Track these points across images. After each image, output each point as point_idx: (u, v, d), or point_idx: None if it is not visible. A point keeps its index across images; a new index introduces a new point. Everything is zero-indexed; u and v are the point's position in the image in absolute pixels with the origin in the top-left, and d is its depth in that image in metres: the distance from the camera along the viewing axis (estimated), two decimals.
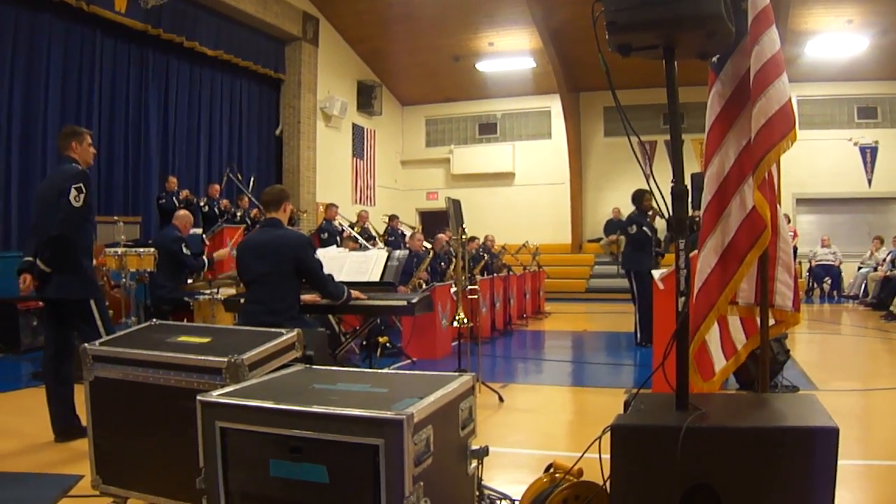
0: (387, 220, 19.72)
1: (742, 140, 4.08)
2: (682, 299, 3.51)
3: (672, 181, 3.59)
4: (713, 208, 4.14)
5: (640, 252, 12.17)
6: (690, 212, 7.15)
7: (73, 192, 6.17)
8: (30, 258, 6.35)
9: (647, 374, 9.45)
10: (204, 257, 10.46)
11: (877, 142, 24.00)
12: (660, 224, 12.59)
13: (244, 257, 6.78)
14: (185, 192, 16.26)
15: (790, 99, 3.90)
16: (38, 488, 5.09)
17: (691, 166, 3.63)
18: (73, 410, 6.34)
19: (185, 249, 10.13)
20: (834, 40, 21.47)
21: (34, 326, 11.40)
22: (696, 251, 4.24)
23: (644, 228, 12.15)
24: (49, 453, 6.01)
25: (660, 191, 3.75)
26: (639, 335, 12.13)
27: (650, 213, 12.35)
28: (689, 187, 3.77)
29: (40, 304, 7.18)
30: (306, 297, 7.00)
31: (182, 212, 11.10)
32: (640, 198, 12.34)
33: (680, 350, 3.53)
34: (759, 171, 3.82)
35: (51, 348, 6.49)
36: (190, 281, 10.34)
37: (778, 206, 4.18)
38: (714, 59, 4.18)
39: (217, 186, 17.45)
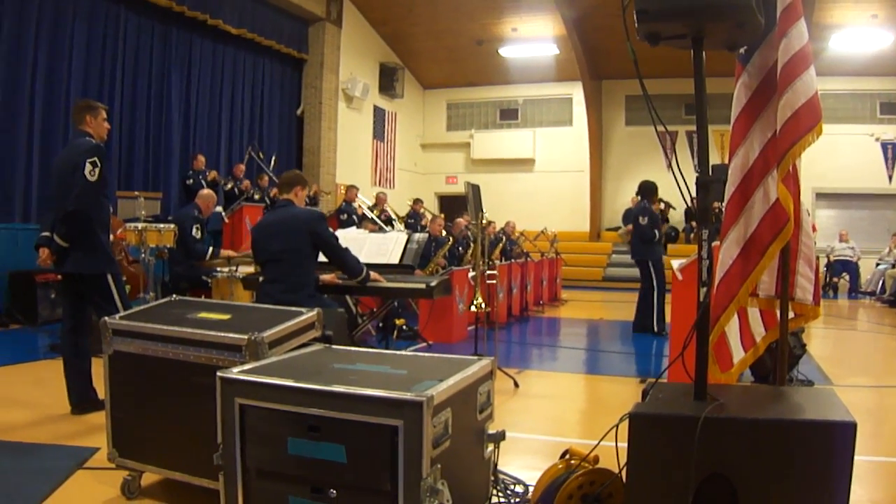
0: (411, 202, 19.71)
1: (767, 132, 4.07)
2: (704, 289, 3.51)
3: (697, 171, 3.59)
4: (736, 200, 4.13)
5: (650, 242, 12.20)
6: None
7: (88, 167, 6.15)
8: (47, 233, 6.39)
9: (662, 364, 9.45)
10: (209, 247, 10.40)
11: None
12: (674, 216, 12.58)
13: (258, 239, 6.83)
14: (212, 174, 16.26)
15: (817, 92, 3.88)
16: (53, 459, 5.12)
17: (712, 157, 3.64)
18: (90, 383, 6.39)
19: (195, 231, 10.10)
20: (858, 35, 21.26)
21: (52, 299, 11.47)
22: (716, 242, 4.23)
23: (652, 220, 12.23)
24: (65, 425, 6.05)
25: (685, 180, 3.74)
26: (656, 324, 12.15)
27: (661, 209, 12.42)
28: None
29: (58, 276, 7.20)
30: (325, 277, 7.04)
31: (205, 191, 11.10)
32: (652, 191, 12.38)
33: (700, 340, 3.53)
34: (784, 164, 3.81)
35: (69, 322, 6.53)
36: (208, 258, 10.32)
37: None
38: (742, 50, 4.17)
39: (242, 166, 17.46)
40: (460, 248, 14.74)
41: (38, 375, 8.05)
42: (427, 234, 10.31)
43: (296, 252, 6.55)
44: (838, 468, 3.06)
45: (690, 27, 3.50)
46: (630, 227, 12.56)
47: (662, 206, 12.65)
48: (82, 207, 6.20)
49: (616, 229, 25.51)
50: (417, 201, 19.74)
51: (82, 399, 6.35)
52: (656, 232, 12.25)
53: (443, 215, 16.85)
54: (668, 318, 11.10)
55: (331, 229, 6.96)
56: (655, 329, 12.10)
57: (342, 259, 6.78)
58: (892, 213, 23.91)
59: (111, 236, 7.04)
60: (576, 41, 23.37)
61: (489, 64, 26.17)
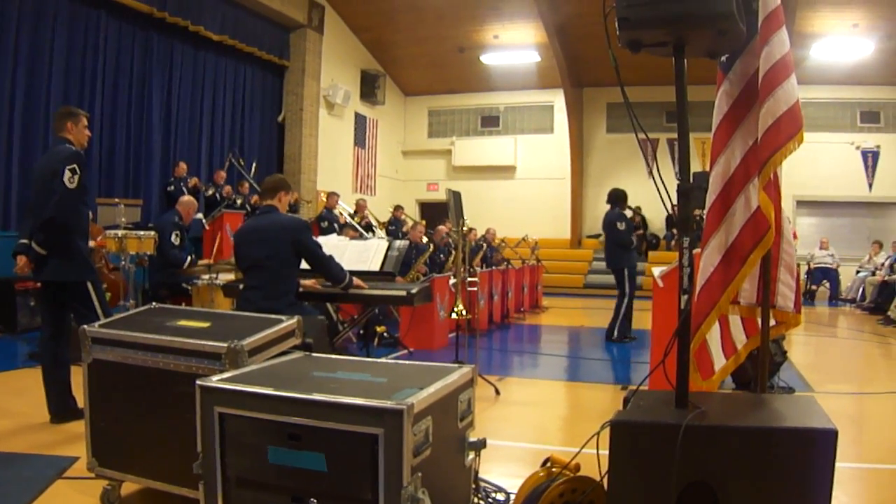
0: (392, 209, 19.74)
1: (748, 140, 4.08)
2: (685, 297, 3.51)
3: (678, 178, 3.59)
4: (717, 207, 4.14)
5: (627, 248, 12.26)
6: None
7: (67, 174, 6.13)
8: (25, 240, 6.33)
9: (642, 371, 9.45)
10: (188, 255, 10.33)
11: (879, 146, 23.99)
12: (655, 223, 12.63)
13: (241, 245, 6.76)
14: (193, 181, 16.30)
15: (798, 100, 3.89)
16: (33, 469, 5.09)
17: (693, 165, 3.64)
18: (69, 392, 6.36)
19: (174, 238, 10.06)
20: (839, 44, 21.42)
21: (31, 307, 11.41)
22: (697, 249, 4.23)
23: (629, 226, 12.32)
24: (44, 434, 6.01)
25: (665, 187, 3.74)
26: (616, 331, 12.22)
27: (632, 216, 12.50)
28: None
29: (38, 284, 7.16)
30: (306, 283, 7.00)
31: (186, 198, 11.06)
32: (622, 199, 12.46)
33: (681, 348, 3.53)
34: (765, 172, 3.82)
35: (48, 330, 6.49)
36: (186, 265, 10.24)
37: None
38: (723, 58, 4.18)
39: (223, 173, 17.44)
40: (441, 256, 14.74)
41: (17, 384, 8.00)
42: (408, 241, 10.30)
43: (278, 260, 6.48)
44: (820, 475, 3.07)
45: (672, 35, 3.51)
46: None
47: (630, 213, 12.77)
48: (61, 215, 6.16)
49: (597, 236, 25.58)
50: (398, 208, 19.80)
51: (61, 408, 6.31)
52: (633, 238, 12.32)
53: (423, 221, 16.85)
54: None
55: (314, 237, 6.92)
56: (615, 335, 12.18)
57: (326, 267, 6.73)
58: (872, 220, 24.06)
59: (91, 243, 7.00)
60: (557, 49, 23.41)
61: (471, 71, 26.21)
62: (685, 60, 3.61)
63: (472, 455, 3.67)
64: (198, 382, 3.33)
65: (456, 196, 8.85)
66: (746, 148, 4.10)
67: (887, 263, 19.81)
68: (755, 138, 3.97)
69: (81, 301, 6.36)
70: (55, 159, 6.26)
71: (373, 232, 17.50)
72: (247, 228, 6.95)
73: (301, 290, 6.90)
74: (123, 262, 9.92)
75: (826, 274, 22.97)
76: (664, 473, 3.13)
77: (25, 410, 6.58)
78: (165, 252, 9.97)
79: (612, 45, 3.60)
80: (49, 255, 6.23)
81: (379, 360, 4.18)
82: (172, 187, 15.70)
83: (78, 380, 4.77)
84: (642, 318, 12.24)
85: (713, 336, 4.27)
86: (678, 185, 3.57)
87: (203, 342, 4.02)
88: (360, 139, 25.50)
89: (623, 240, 12.22)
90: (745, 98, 4.13)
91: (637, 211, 22.41)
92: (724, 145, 4.16)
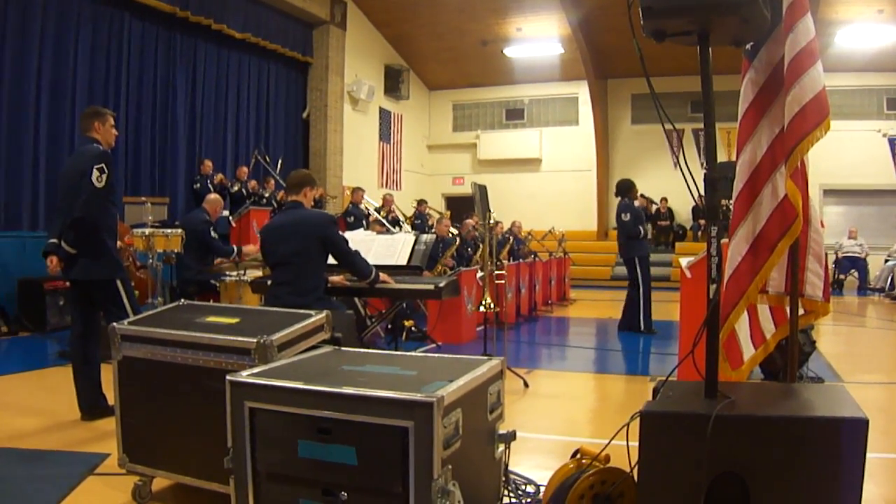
0: (416, 204, 19.73)
1: (775, 128, 4.05)
2: (714, 287, 3.50)
3: (705, 168, 3.57)
4: (745, 196, 4.12)
5: (636, 238, 12.25)
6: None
7: (95, 173, 6.14)
8: (54, 240, 6.36)
9: (669, 362, 9.42)
10: (233, 245, 10.41)
11: None
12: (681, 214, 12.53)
13: (268, 241, 6.77)
14: (219, 177, 16.42)
15: (824, 88, 3.87)
16: (64, 466, 5.12)
17: (718, 154, 3.59)
18: (99, 389, 6.39)
19: (213, 233, 10.14)
20: (864, 30, 21.19)
21: (60, 306, 11.47)
22: (725, 239, 4.21)
23: (634, 217, 12.29)
24: (75, 431, 6.05)
25: (692, 178, 3.72)
26: (642, 322, 12.17)
27: (643, 205, 12.46)
28: None
29: (67, 284, 7.20)
30: (333, 279, 7.00)
31: (213, 196, 11.11)
32: (628, 189, 12.46)
33: (710, 338, 3.52)
34: (792, 160, 3.80)
35: (78, 328, 6.53)
36: (217, 261, 10.29)
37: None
38: (748, 46, 4.16)
39: (245, 169, 17.47)
40: (468, 249, 14.73)
41: (48, 382, 8.06)
42: (435, 235, 10.28)
43: (306, 255, 6.49)
44: (851, 465, 3.05)
45: (696, 23, 3.49)
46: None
47: (644, 201, 12.76)
48: (89, 214, 6.19)
49: None
50: (422, 202, 19.77)
51: (92, 405, 6.35)
52: (641, 228, 12.29)
53: (448, 212, 16.82)
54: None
55: (341, 233, 6.93)
56: (642, 327, 12.13)
57: (352, 262, 6.73)
58: None
59: (119, 242, 7.03)
60: (581, 40, 23.33)
61: (494, 64, 26.15)
62: (710, 49, 3.59)
63: (501, 447, 3.68)
64: (228, 378, 3.35)
65: (482, 189, 8.84)
66: (773, 136, 4.08)
67: None
68: (781, 126, 3.95)
69: (111, 299, 6.39)
70: (83, 159, 6.29)
71: (400, 226, 17.50)
72: (273, 225, 6.96)
73: (329, 285, 6.91)
74: (151, 260, 9.96)
75: (854, 263, 22.76)
76: (694, 464, 3.12)
77: (56, 408, 6.62)
78: (213, 248, 10.10)
79: (636, 35, 3.58)
80: (78, 254, 6.26)
81: (408, 354, 4.18)
82: (198, 185, 15.78)
83: (108, 377, 4.79)
84: (668, 309, 12.23)
85: (742, 326, 4.26)
86: (705, 175, 3.55)
87: (232, 338, 4.04)
88: (384, 134, 25.51)
89: (629, 231, 12.21)
90: (771, 86, 4.11)
91: (652, 201, 22.36)
92: (751, 134, 4.14)
